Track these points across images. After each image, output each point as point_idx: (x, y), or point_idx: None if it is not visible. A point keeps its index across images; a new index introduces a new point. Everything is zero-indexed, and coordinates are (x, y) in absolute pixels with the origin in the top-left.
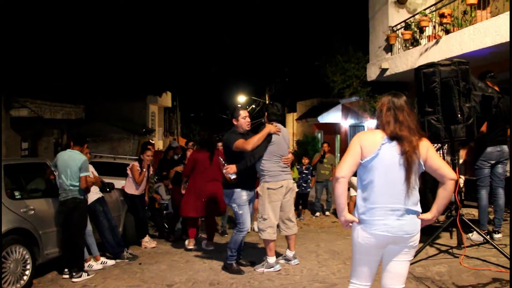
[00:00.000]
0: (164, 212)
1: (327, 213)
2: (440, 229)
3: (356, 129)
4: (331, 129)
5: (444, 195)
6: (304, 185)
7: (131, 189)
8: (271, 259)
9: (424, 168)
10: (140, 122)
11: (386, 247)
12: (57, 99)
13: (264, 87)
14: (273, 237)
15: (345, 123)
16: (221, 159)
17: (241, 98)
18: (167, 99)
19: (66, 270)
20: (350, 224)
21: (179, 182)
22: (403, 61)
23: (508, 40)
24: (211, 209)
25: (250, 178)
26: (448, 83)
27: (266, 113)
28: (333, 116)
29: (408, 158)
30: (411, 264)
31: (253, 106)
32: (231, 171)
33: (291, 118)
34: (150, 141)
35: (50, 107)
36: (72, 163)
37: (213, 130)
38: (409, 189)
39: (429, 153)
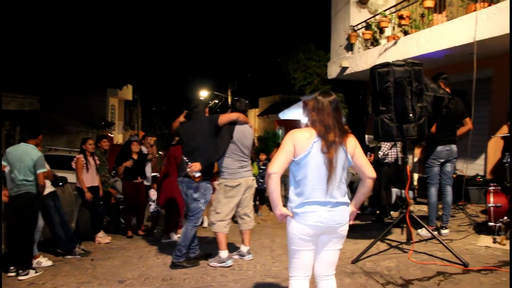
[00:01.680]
0: (121, 207)
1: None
2: (391, 225)
3: None
4: (292, 125)
5: (362, 191)
6: (261, 180)
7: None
8: (223, 254)
9: (351, 163)
10: (99, 115)
11: (319, 238)
12: (10, 89)
13: (226, 83)
14: (223, 231)
15: (306, 120)
16: (184, 158)
17: (204, 93)
18: (128, 92)
19: (12, 268)
20: (284, 218)
21: (130, 177)
22: (363, 60)
23: (460, 44)
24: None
25: (211, 173)
26: (401, 83)
27: (230, 109)
28: (294, 113)
29: (329, 156)
30: (362, 259)
31: (216, 101)
32: (195, 169)
33: (252, 114)
34: (109, 134)
35: (1, 98)
36: (27, 157)
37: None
38: (337, 183)
39: (356, 150)
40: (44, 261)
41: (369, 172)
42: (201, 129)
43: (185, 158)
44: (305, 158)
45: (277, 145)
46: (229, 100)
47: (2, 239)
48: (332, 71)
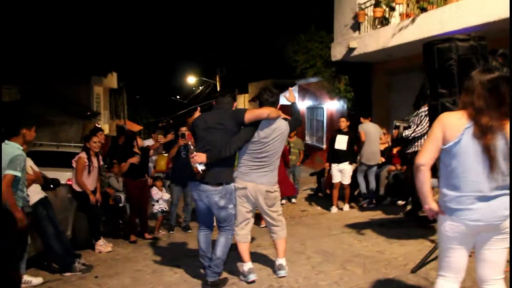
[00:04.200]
0: (120, 204)
1: (293, 200)
2: None
3: (314, 111)
4: (287, 110)
5: None
6: None
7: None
8: (245, 266)
9: None
10: (84, 105)
11: (477, 236)
12: None
13: (215, 68)
14: (240, 240)
15: (302, 104)
16: (190, 144)
17: (191, 79)
18: (112, 80)
19: None
20: (434, 214)
21: (136, 175)
22: (374, 40)
23: (494, 20)
24: None
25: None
26: (469, 60)
27: (258, 101)
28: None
29: (484, 143)
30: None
31: (201, 87)
32: (199, 160)
33: (242, 99)
34: (96, 125)
35: None
36: (5, 158)
37: (161, 113)
38: (499, 175)
39: None
40: (33, 279)
41: None
42: (223, 122)
43: (191, 146)
44: (456, 145)
45: None
46: (218, 86)
47: None
48: (337, 53)
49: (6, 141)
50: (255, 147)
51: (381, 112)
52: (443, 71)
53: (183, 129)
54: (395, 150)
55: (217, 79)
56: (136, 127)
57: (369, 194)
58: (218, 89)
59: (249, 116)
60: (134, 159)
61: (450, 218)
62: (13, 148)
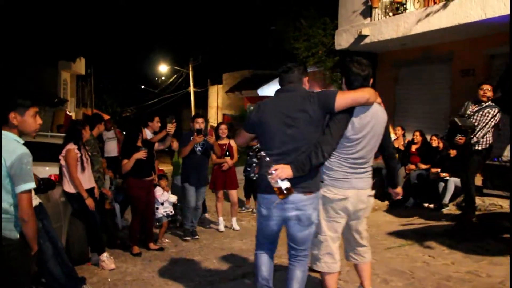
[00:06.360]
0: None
1: None
2: None
3: None
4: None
5: None
6: (248, 169)
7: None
8: None
9: None
10: (51, 91)
11: None
12: None
13: (187, 57)
14: (331, 269)
15: None
16: (264, 155)
17: (163, 68)
18: (80, 66)
19: None
20: None
21: (142, 174)
22: (392, 27)
23: None
24: None
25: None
26: None
27: (343, 78)
28: (272, 89)
29: None
30: None
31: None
32: (283, 175)
33: (215, 90)
34: (67, 112)
35: None
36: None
37: (127, 102)
38: None
39: None
40: None
41: None
42: (306, 109)
43: (265, 157)
44: None
45: None
46: (191, 76)
47: None
48: (342, 41)
49: None
50: (347, 145)
51: (385, 106)
52: None
53: (200, 120)
54: (414, 148)
55: (190, 68)
56: (105, 117)
57: None
58: (191, 79)
59: (342, 102)
60: (141, 154)
61: None
62: (10, 142)
